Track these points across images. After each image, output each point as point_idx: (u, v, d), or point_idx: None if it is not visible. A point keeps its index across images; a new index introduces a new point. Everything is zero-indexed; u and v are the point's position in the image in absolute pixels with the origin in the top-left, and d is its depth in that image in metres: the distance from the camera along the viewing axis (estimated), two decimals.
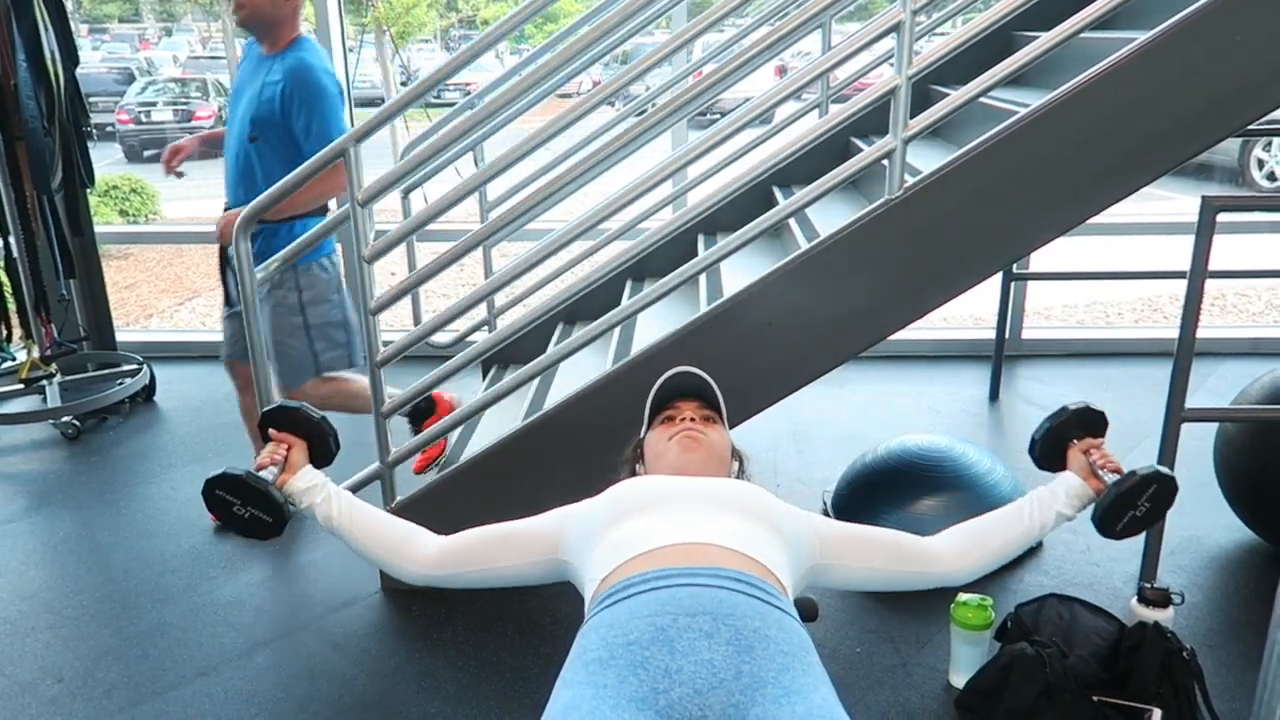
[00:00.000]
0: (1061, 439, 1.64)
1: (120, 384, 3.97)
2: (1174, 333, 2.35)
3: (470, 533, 1.61)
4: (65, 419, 3.79)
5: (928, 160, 2.41)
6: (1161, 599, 2.19)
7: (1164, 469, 1.52)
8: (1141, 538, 2.50)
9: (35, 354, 3.88)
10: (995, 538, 1.59)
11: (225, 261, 2.93)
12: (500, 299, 3.55)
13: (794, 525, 1.53)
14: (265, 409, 1.66)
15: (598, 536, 1.48)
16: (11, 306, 3.88)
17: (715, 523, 1.45)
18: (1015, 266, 3.77)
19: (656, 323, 2.76)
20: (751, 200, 3.11)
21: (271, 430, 1.64)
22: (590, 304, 3.25)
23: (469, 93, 3.72)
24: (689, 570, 1.35)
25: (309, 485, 1.59)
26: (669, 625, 1.26)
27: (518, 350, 3.24)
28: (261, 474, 1.55)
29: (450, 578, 1.59)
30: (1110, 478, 1.55)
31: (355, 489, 2.64)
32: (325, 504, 1.59)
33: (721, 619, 1.27)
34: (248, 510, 1.52)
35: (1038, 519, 1.58)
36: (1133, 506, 1.52)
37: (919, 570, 1.58)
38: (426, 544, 1.60)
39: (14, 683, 2.37)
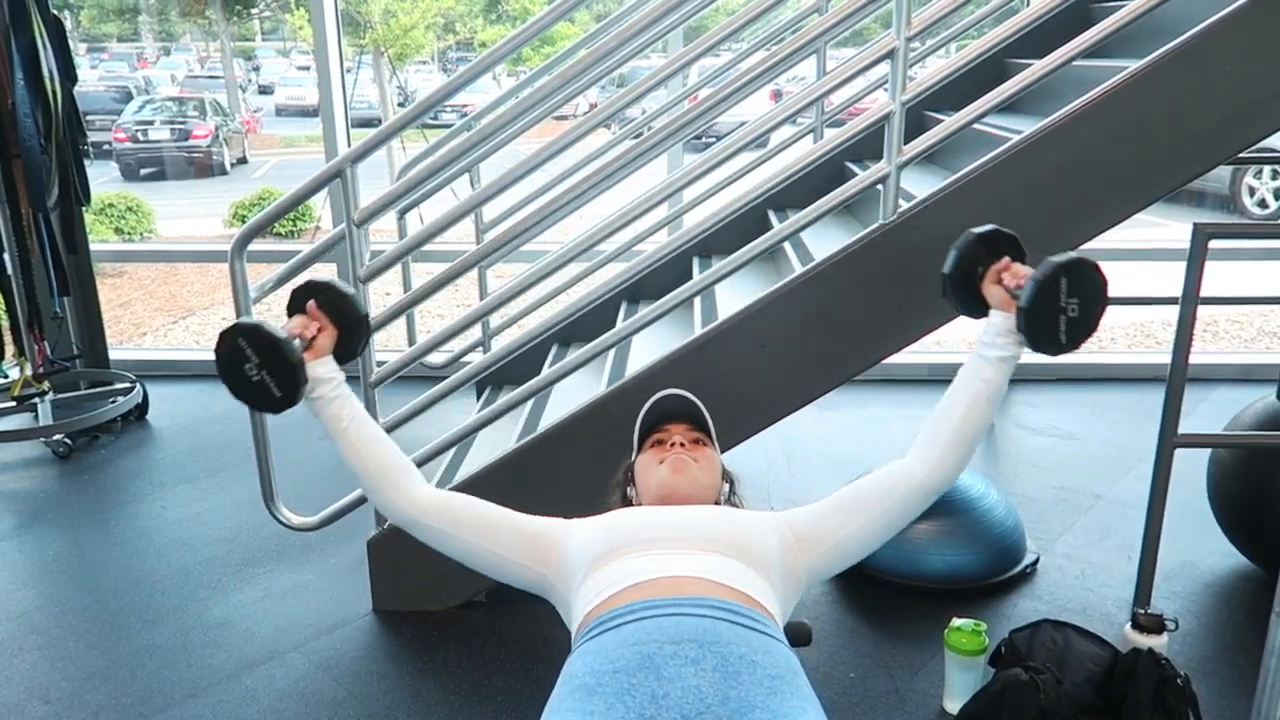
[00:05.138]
0: (972, 271, 1.50)
1: (113, 402, 3.95)
2: (1167, 358, 2.36)
3: (469, 500, 1.57)
4: (57, 437, 3.77)
5: (922, 185, 2.42)
6: (1155, 625, 2.19)
7: (1065, 256, 1.38)
8: (1136, 564, 2.50)
9: (28, 371, 3.87)
10: (951, 418, 1.50)
11: None
12: (495, 320, 3.56)
13: (775, 541, 1.51)
14: (309, 280, 1.52)
15: (586, 571, 1.47)
16: (5, 323, 3.87)
17: (700, 555, 1.44)
18: None
19: (651, 345, 2.77)
20: (747, 223, 3.12)
21: (311, 304, 1.51)
22: (585, 326, 3.25)
23: (466, 114, 3.74)
24: (674, 601, 1.35)
25: (328, 376, 1.50)
26: (655, 653, 1.26)
27: (512, 371, 3.24)
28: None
29: (430, 530, 1.54)
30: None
31: (347, 510, 2.65)
32: (338, 402, 1.51)
33: (707, 646, 1.26)
34: (261, 373, 1.39)
35: (981, 375, 1.48)
36: (1059, 310, 1.37)
37: (900, 497, 1.52)
38: (421, 486, 1.57)
39: (0, 704, 2.34)
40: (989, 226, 1.53)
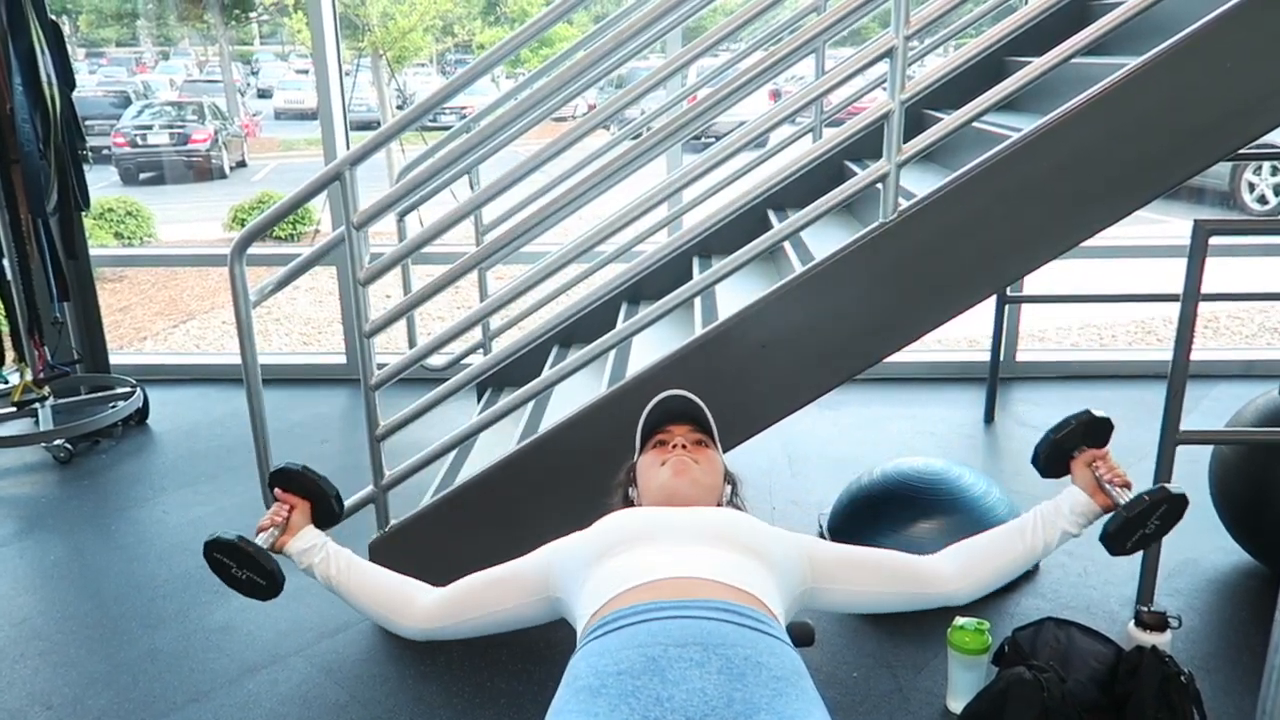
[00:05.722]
0: (1065, 450, 1.62)
1: (113, 407, 3.95)
2: (1168, 355, 2.35)
3: (463, 582, 1.62)
4: (57, 442, 3.76)
5: (921, 184, 2.42)
6: (1159, 622, 2.18)
7: (1174, 488, 1.50)
8: (1138, 561, 2.50)
9: (28, 376, 3.87)
10: (997, 557, 1.57)
11: None
12: (495, 322, 3.55)
13: (783, 551, 1.53)
14: (272, 470, 1.70)
15: (588, 572, 1.48)
16: (5, 329, 3.87)
17: (704, 555, 1.44)
18: (1009, 289, 3.78)
19: (652, 346, 2.76)
20: (746, 223, 3.12)
21: (277, 490, 1.67)
22: (586, 327, 3.25)
23: (465, 116, 3.74)
24: (679, 603, 1.35)
25: (308, 546, 1.63)
26: (659, 655, 1.26)
27: (513, 373, 3.24)
28: (260, 536, 1.59)
29: (449, 629, 1.60)
30: (1119, 494, 1.53)
31: (349, 512, 2.64)
32: (324, 564, 1.63)
33: (712, 648, 1.26)
34: (244, 573, 1.59)
35: (1041, 537, 1.56)
36: (1143, 525, 1.51)
37: (917, 591, 1.57)
38: (423, 599, 1.61)
39: (2, 710, 2.34)
40: (1105, 415, 1.62)
